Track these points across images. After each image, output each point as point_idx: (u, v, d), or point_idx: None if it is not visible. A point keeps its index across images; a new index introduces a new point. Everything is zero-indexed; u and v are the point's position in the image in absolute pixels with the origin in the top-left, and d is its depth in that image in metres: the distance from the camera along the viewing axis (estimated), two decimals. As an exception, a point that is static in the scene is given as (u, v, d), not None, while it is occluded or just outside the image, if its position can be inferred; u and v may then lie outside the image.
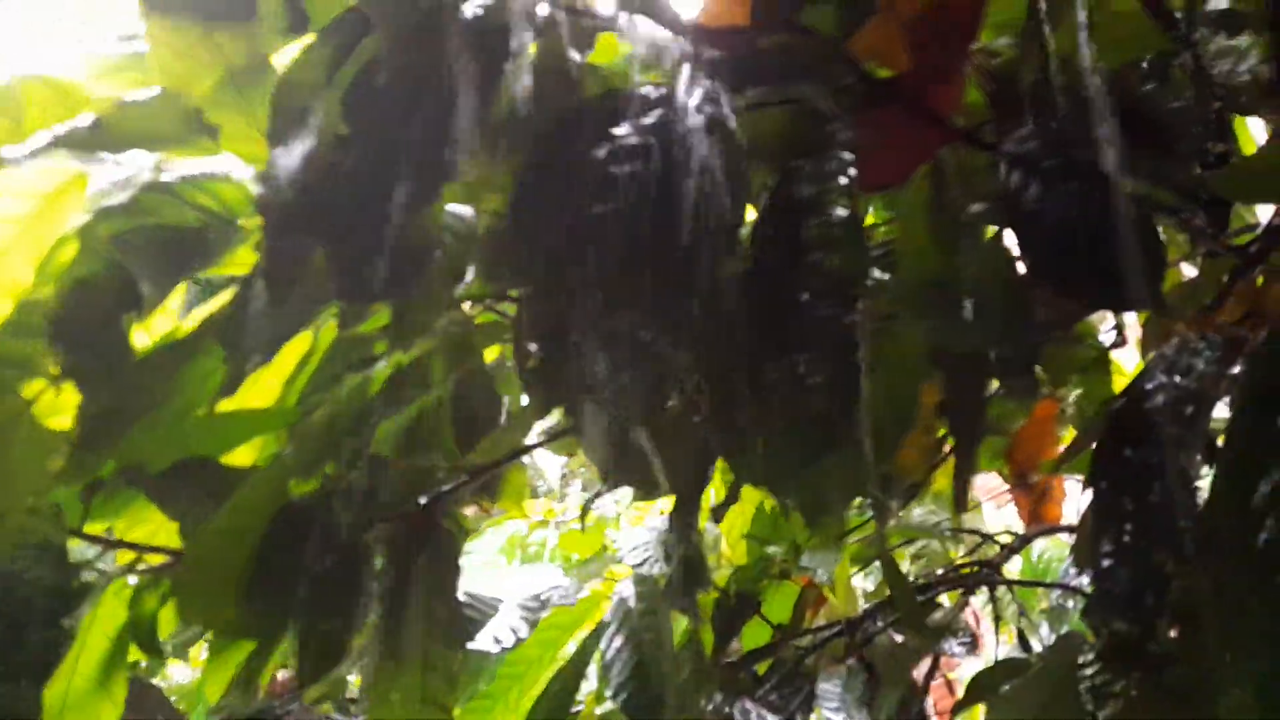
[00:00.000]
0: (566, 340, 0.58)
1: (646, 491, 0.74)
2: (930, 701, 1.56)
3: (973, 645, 1.41)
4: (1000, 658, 1.45)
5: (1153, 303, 0.61)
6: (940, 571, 1.71)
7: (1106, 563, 0.76)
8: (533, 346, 0.64)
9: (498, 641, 0.92)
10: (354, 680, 0.87)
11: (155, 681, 1.47)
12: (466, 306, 0.87)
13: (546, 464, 1.52)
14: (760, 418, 0.62)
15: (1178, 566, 0.67)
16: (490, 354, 0.95)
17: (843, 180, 0.64)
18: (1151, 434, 0.73)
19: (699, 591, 0.86)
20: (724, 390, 0.65)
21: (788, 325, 0.64)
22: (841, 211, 0.62)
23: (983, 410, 0.90)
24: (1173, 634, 0.67)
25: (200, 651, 1.30)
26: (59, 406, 0.64)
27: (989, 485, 2.18)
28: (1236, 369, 0.75)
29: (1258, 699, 0.52)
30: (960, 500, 0.92)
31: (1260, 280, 0.87)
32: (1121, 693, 0.85)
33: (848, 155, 0.64)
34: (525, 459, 1.66)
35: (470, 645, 0.93)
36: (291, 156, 0.57)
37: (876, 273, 0.94)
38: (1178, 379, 0.76)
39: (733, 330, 0.67)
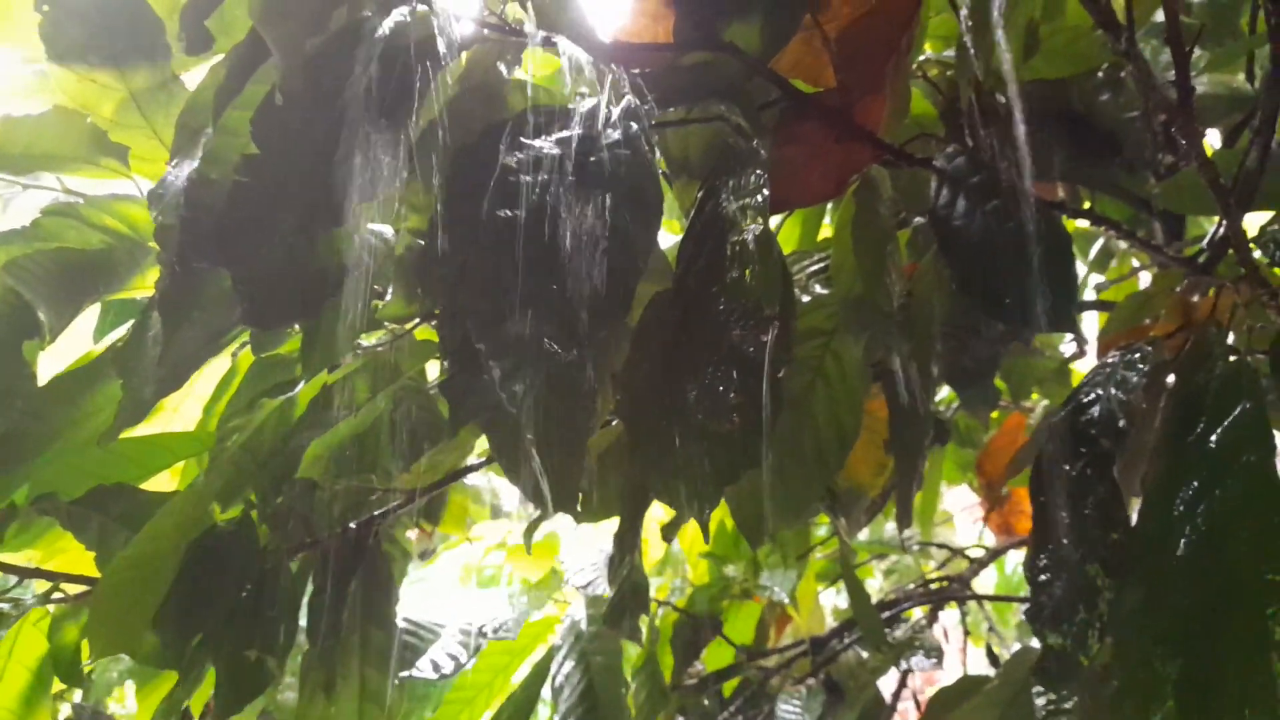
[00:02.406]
0: (474, 354, 0.57)
1: (569, 512, 0.73)
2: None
3: (939, 659, 1.39)
4: (970, 674, 1.44)
5: (1063, 325, 0.60)
6: (911, 586, 1.70)
7: (1042, 576, 0.76)
8: (446, 362, 0.63)
9: (437, 668, 0.91)
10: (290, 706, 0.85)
11: (112, 705, 1.45)
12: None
13: (505, 485, 1.51)
14: (674, 437, 0.61)
15: (1107, 579, 0.66)
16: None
17: (759, 198, 0.63)
18: (1085, 447, 0.72)
19: (639, 615, 0.85)
20: (641, 410, 0.64)
21: (705, 343, 0.63)
22: (755, 228, 0.61)
23: (925, 422, 0.89)
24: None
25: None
26: (-41, 435, 0.63)
27: (963, 499, 2.17)
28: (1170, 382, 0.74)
29: (1175, 706, 0.51)
30: (904, 516, 0.90)
31: (1211, 292, 0.86)
32: (1069, 713, 0.84)
33: (763, 173, 0.64)
34: (484, 480, 1.65)
35: (409, 672, 0.91)
36: (184, 178, 0.56)
37: (819, 288, 0.93)
38: (1112, 392, 0.76)
39: (651, 349, 0.66)
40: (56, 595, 0.73)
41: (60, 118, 0.61)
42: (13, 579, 0.75)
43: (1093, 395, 0.76)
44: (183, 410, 0.81)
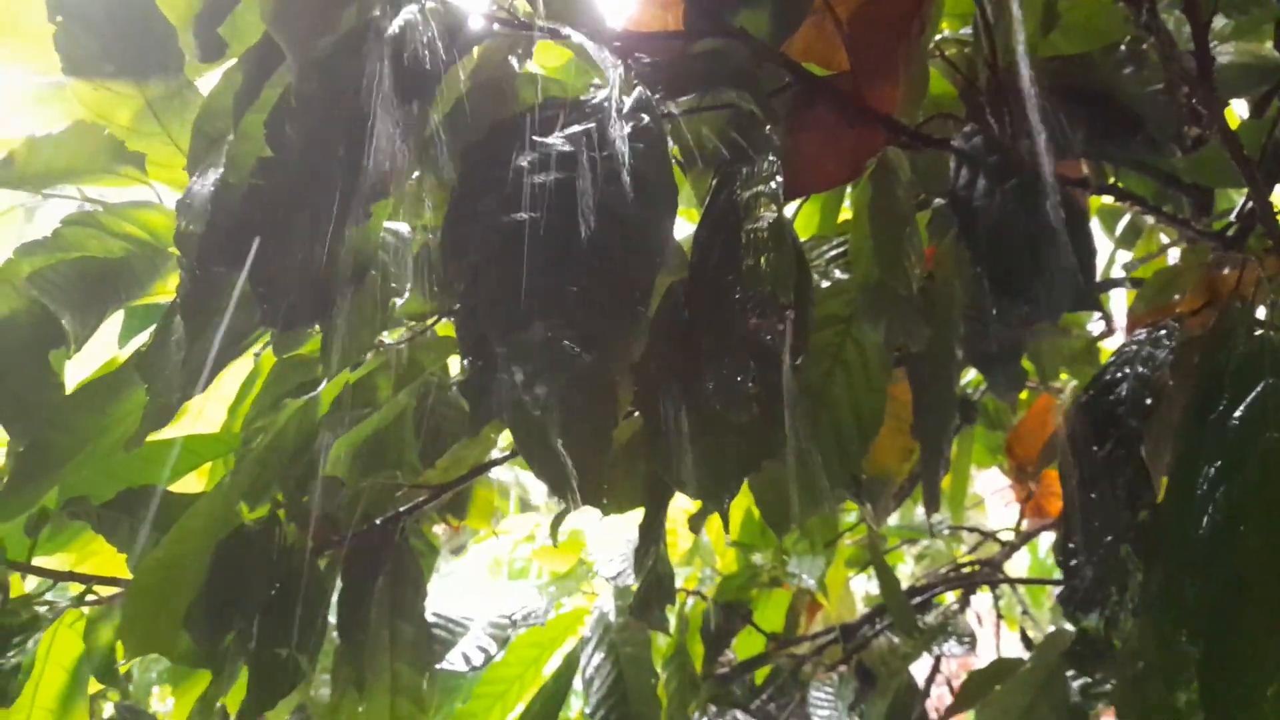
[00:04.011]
0: (492, 352, 0.57)
1: (596, 505, 0.73)
2: (936, 708, 1.54)
3: (972, 645, 1.38)
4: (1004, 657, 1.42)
5: (1083, 304, 0.59)
6: (943, 571, 1.69)
7: (1074, 559, 0.75)
8: (465, 361, 0.63)
9: (467, 660, 0.91)
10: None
11: (155, 705, 1.48)
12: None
13: (532, 478, 1.51)
14: (693, 427, 0.61)
15: (1136, 561, 0.65)
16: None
17: (773, 185, 0.63)
18: (1112, 427, 0.71)
19: (665, 605, 0.85)
20: (659, 401, 0.64)
21: (722, 332, 0.62)
22: (769, 216, 0.61)
23: (950, 407, 0.89)
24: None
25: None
26: (-9, 445, 0.65)
27: (994, 482, 2.15)
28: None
29: (1199, 687, 0.50)
30: (930, 501, 0.90)
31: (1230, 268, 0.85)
32: (1105, 695, 0.83)
33: (776, 159, 0.63)
34: (510, 474, 1.65)
35: (440, 665, 0.92)
36: (210, 185, 0.56)
37: (838, 273, 0.93)
38: (1139, 370, 0.74)
39: (668, 339, 0.66)
40: (90, 597, 0.75)
41: (78, 133, 0.62)
42: (47, 582, 0.76)
43: (1119, 374, 0.75)
44: (206, 413, 0.83)
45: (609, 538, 1.10)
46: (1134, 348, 0.76)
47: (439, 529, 1.02)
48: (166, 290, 0.68)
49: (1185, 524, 0.56)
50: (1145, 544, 0.64)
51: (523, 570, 1.52)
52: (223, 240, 0.56)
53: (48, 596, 0.75)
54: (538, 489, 1.56)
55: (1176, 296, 0.92)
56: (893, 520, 1.76)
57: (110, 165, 0.64)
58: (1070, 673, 0.90)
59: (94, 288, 0.63)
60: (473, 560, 1.53)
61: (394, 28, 0.65)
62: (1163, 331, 0.75)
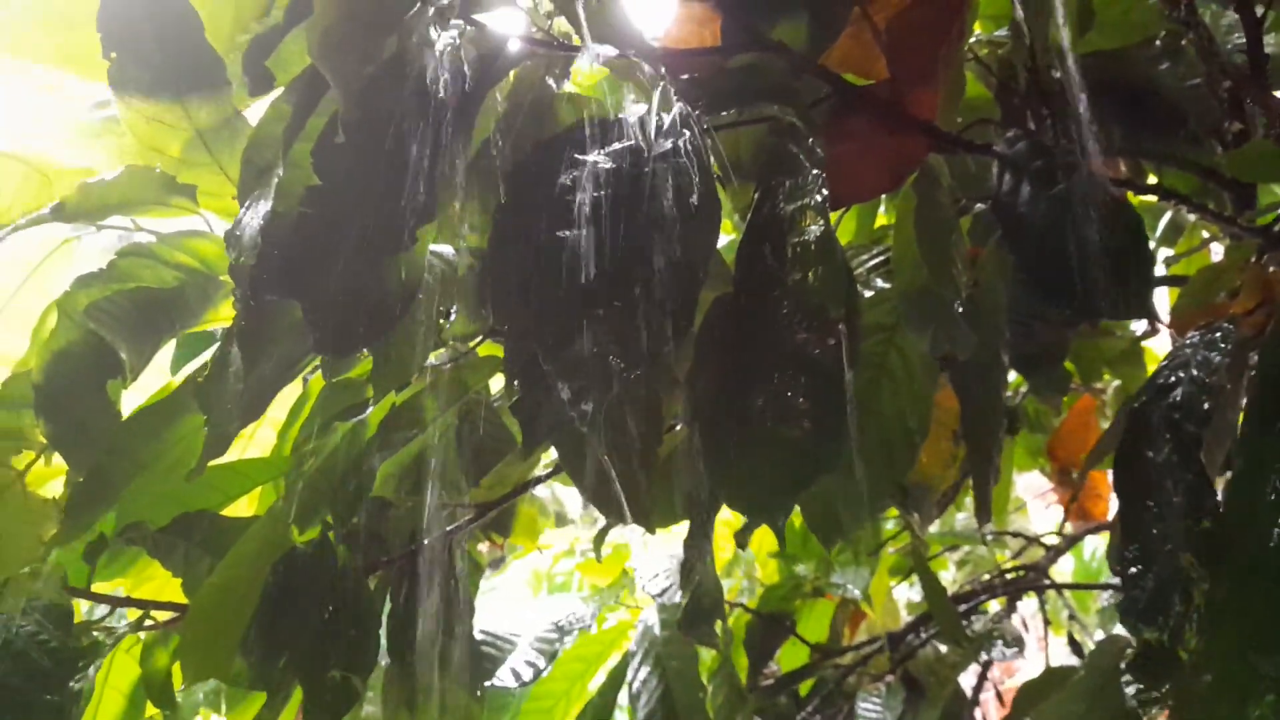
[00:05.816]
0: (541, 373, 0.57)
1: (642, 523, 0.73)
2: (982, 714, 1.52)
3: (1020, 651, 1.36)
4: (1053, 664, 1.40)
5: (1139, 311, 0.58)
6: (986, 577, 1.67)
7: (1132, 568, 0.74)
8: (514, 382, 0.63)
9: (517, 676, 0.91)
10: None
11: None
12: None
13: (567, 493, 1.52)
14: (745, 443, 0.61)
15: (1200, 570, 0.64)
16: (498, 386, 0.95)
17: (818, 197, 0.63)
18: (1169, 433, 0.70)
19: (714, 620, 0.85)
20: (707, 417, 0.64)
21: (770, 347, 0.62)
22: (816, 229, 0.60)
23: (998, 414, 0.88)
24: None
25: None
26: (50, 474, 0.66)
27: (1036, 485, 2.12)
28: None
29: (1272, 702, 0.49)
30: (982, 508, 0.89)
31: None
32: (1159, 700, 0.82)
33: (820, 171, 0.63)
34: (545, 490, 1.66)
35: (490, 681, 0.92)
36: (260, 216, 0.57)
37: (879, 282, 0.92)
38: (1194, 373, 0.73)
39: (714, 355, 0.65)
40: (146, 622, 0.76)
41: (130, 175, 0.63)
42: (104, 608, 0.77)
43: (1174, 378, 0.73)
44: (257, 436, 0.83)
45: (653, 550, 1.09)
46: (1188, 350, 0.74)
47: (481, 546, 1.02)
48: (219, 317, 0.69)
49: (1252, 534, 0.55)
50: (1209, 553, 0.63)
51: (564, 584, 1.52)
52: (274, 269, 0.57)
53: (105, 622, 0.76)
54: (574, 504, 1.57)
55: (1223, 295, 0.90)
56: (933, 526, 1.75)
57: (162, 197, 0.65)
58: (1125, 678, 0.89)
59: (149, 317, 0.64)
60: (513, 575, 1.53)
61: (434, 54, 0.66)
62: (1217, 334, 0.74)
